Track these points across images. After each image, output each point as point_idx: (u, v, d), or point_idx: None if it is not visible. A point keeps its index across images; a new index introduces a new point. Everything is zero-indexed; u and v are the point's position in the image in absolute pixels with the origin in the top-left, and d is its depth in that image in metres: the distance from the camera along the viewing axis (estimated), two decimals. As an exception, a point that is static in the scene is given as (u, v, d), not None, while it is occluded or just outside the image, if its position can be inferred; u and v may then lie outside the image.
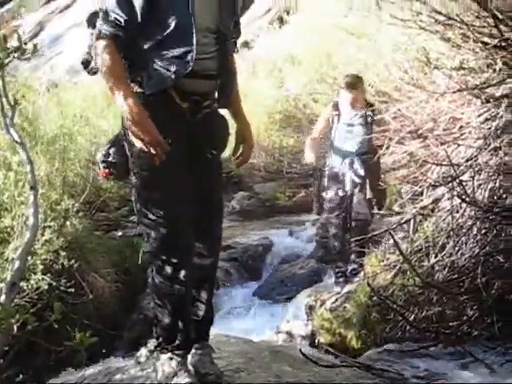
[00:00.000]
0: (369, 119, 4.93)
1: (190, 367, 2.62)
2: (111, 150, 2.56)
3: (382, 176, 4.94)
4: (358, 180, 4.87)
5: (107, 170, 2.59)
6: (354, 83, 4.97)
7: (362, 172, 4.85)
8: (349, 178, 4.88)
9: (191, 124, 2.47)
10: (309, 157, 5.06)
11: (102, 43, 2.38)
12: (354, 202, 4.94)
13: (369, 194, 4.87)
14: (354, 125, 4.98)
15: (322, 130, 5.16)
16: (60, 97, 8.28)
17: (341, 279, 4.75)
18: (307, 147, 5.13)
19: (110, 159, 2.56)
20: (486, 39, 3.22)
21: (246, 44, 12.23)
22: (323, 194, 5.04)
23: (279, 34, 12.71)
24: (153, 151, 2.31)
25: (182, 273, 2.47)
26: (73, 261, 4.53)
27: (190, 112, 2.46)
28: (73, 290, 4.50)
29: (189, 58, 2.38)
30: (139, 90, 2.44)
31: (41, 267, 4.30)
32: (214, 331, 4.77)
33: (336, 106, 5.09)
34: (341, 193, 4.90)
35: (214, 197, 2.64)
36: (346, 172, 4.91)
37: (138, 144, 2.34)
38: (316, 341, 3.89)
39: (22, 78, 7.41)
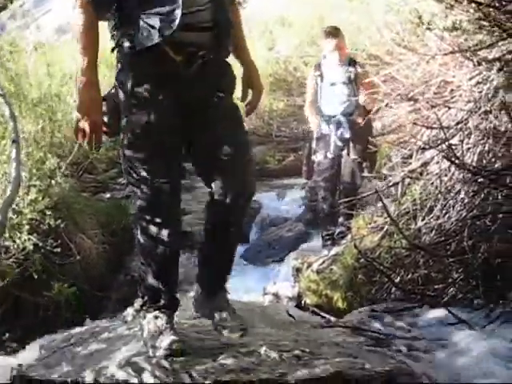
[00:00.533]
0: (351, 76, 4.84)
1: (175, 326, 2.63)
2: (104, 108, 2.52)
3: (374, 139, 4.89)
4: (339, 143, 4.82)
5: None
6: (334, 32, 4.89)
7: (347, 134, 4.79)
8: (333, 141, 4.83)
9: (185, 76, 2.42)
10: (314, 123, 5.02)
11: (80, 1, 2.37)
12: (342, 165, 4.91)
13: (353, 155, 4.83)
14: (336, 83, 4.89)
15: (314, 93, 5.08)
16: (48, 56, 8.12)
17: (328, 242, 4.77)
18: (309, 114, 5.10)
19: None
20: (479, -1, 3.17)
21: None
22: (312, 157, 4.99)
23: (272, -5, 12.51)
24: (87, 130, 2.33)
25: (165, 232, 2.46)
26: (59, 221, 4.51)
27: (183, 64, 2.41)
28: (59, 250, 4.49)
29: (175, 15, 2.32)
30: (129, 44, 2.40)
31: (27, 227, 4.28)
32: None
33: (318, 67, 5.02)
34: (329, 155, 4.85)
35: (230, 139, 2.51)
36: (331, 134, 4.85)
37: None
38: (302, 302, 3.92)
39: (9, 38, 7.27)
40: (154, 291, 2.60)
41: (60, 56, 8.70)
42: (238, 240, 2.88)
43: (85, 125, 2.34)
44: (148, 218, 2.47)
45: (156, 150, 2.43)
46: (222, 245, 2.68)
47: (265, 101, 9.00)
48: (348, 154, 4.86)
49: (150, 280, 2.57)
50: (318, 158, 4.93)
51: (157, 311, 2.60)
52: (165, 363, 2.54)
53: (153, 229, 2.46)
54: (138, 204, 2.48)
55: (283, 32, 10.02)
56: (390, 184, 3.65)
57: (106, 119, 2.49)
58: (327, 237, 4.84)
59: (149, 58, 2.38)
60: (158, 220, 2.46)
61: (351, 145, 4.84)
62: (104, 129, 2.48)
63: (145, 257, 2.55)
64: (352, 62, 4.96)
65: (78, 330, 3.57)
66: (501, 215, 3.04)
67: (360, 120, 4.82)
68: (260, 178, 7.71)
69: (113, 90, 2.53)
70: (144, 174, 2.43)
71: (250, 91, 2.72)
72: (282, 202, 6.56)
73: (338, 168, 4.95)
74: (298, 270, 4.42)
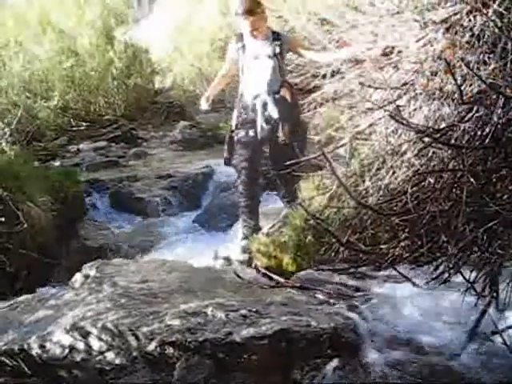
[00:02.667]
0: (276, 49, 4.33)
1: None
2: None
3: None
4: (265, 126, 4.30)
5: None
6: (251, 9, 4.26)
7: (274, 114, 4.27)
8: (259, 123, 4.32)
9: None
10: (203, 104, 4.57)
11: None
12: (271, 148, 4.48)
13: (282, 136, 4.30)
14: (259, 57, 4.37)
15: (233, 67, 4.56)
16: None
17: (246, 233, 4.45)
18: (208, 90, 4.66)
19: None
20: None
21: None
22: (233, 135, 4.50)
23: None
24: None
25: None
26: (2, 189, 4.39)
27: None
28: (3, 219, 4.40)
29: None
30: None
31: (-30, 195, 4.17)
32: (152, 256, 4.80)
33: (240, 37, 4.44)
34: (251, 133, 4.37)
35: None
36: (258, 115, 4.33)
37: None
38: (253, 265, 3.93)
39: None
40: None
41: (3, 20, 8.38)
42: None
43: None
44: None
45: None
46: None
47: (216, 66, 8.92)
48: (277, 137, 4.32)
49: None
50: (239, 134, 4.43)
51: None
52: (110, 326, 2.53)
53: None
54: None
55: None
56: (338, 145, 3.66)
57: None
58: (246, 229, 4.47)
59: None
60: None
61: (279, 126, 4.30)
62: None
63: None
64: (275, 36, 4.42)
65: (25, 297, 3.52)
66: (446, 174, 3.09)
67: (288, 97, 4.37)
68: (213, 144, 7.69)
69: None
70: None
71: None
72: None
73: (261, 150, 4.51)
74: (249, 234, 4.43)
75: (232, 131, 4.50)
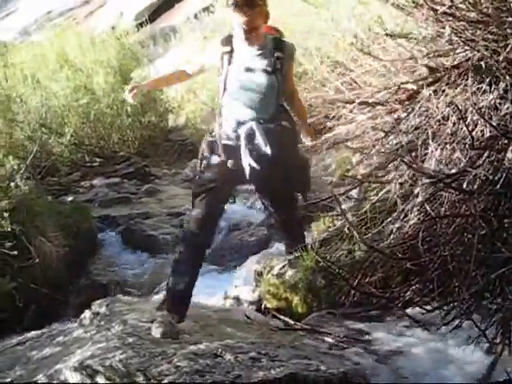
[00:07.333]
0: (277, 64, 3.25)
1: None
2: None
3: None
4: (255, 165, 3.18)
5: None
6: (245, 3, 3.15)
7: (267, 149, 3.15)
8: (246, 162, 3.21)
9: None
10: (127, 95, 3.52)
11: None
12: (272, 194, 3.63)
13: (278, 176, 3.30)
14: (254, 70, 3.24)
15: (201, 71, 3.64)
16: (8, 58, 8.03)
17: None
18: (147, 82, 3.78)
19: None
20: (437, 7, 3.22)
21: (206, 9, 12.08)
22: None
23: None
24: None
25: None
26: (15, 224, 4.44)
27: None
28: (17, 253, 4.42)
29: None
30: None
31: (-17, 229, 4.21)
32: (162, 294, 4.77)
33: (228, 39, 3.34)
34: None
35: None
36: (241, 148, 3.24)
37: None
38: (262, 306, 3.91)
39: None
40: None
41: (22, 58, 8.58)
42: None
43: None
44: None
45: None
46: None
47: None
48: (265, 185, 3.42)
49: None
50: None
51: None
52: (119, 365, 2.52)
53: None
54: None
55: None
56: (349, 188, 3.68)
57: None
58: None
59: None
60: None
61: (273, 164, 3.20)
62: None
63: None
64: (277, 43, 3.34)
65: (33, 333, 3.53)
66: (457, 219, 3.09)
67: (287, 125, 3.38)
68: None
69: None
70: None
71: None
72: (245, 207, 6.54)
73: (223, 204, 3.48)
74: (259, 274, 4.41)
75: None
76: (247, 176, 3.23)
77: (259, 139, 3.17)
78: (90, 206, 6.69)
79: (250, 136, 3.20)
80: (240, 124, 3.26)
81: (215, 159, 3.36)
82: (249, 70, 3.25)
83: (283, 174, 3.30)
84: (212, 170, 3.37)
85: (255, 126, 3.20)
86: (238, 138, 3.27)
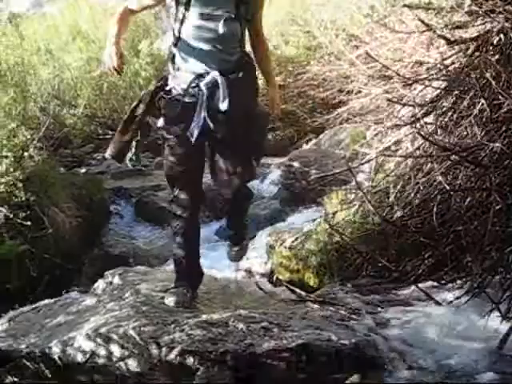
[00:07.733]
0: (241, 9, 2.80)
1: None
2: None
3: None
4: (211, 124, 2.79)
5: None
6: None
7: (224, 105, 2.74)
8: (201, 117, 2.78)
9: None
10: (106, 58, 2.82)
11: None
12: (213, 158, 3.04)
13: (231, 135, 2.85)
14: (215, 16, 2.75)
15: (148, 6, 3.03)
16: (21, 28, 7.99)
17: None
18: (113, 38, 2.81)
19: None
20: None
21: None
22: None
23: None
24: None
25: None
26: (29, 194, 4.46)
27: None
28: (30, 223, 4.45)
29: None
30: None
31: (-3, 198, 4.23)
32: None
33: None
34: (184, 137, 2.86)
35: None
36: (198, 103, 2.79)
37: None
38: (274, 278, 3.93)
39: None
40: None
41: (34, 29, 8.53)
42: None
43: None
44: None
45: None
46: None
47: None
48: (221, 141, 2.89)
49: None
50: (167, 134, 2.94)
51: None
52: (132, 333, 2.54)
53: None
54: None
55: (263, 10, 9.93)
56: (364, 161, 3.66)
57: None
58: None
59: None
60: None
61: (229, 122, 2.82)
62: None
63: None
64: None
65: (47, 301, 3.55)
66: (472, 193, 3.07)
67: (249, 78, 2.89)
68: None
69: None
70: None
71: None
72: (258, 181, 6.53)
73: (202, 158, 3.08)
74: (271, 247, 4.42)
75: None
76: (194, 133, 2.80)
77: (220, 93, 2.76)
78: (103, 177, 6.70)
79: (212, 89, 2.78)
80: (199, 77, 2.81)
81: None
82: (209, 16, 2.76)
83: (238, 133, 2.87)
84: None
85: (220, 80, 2.76)
86: (196, 89, 2.82)
